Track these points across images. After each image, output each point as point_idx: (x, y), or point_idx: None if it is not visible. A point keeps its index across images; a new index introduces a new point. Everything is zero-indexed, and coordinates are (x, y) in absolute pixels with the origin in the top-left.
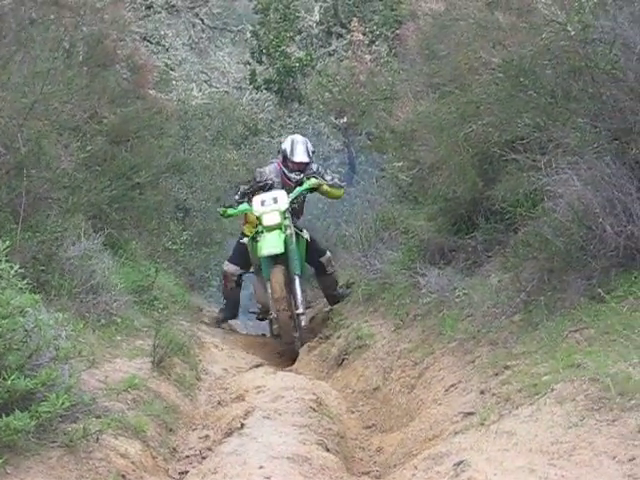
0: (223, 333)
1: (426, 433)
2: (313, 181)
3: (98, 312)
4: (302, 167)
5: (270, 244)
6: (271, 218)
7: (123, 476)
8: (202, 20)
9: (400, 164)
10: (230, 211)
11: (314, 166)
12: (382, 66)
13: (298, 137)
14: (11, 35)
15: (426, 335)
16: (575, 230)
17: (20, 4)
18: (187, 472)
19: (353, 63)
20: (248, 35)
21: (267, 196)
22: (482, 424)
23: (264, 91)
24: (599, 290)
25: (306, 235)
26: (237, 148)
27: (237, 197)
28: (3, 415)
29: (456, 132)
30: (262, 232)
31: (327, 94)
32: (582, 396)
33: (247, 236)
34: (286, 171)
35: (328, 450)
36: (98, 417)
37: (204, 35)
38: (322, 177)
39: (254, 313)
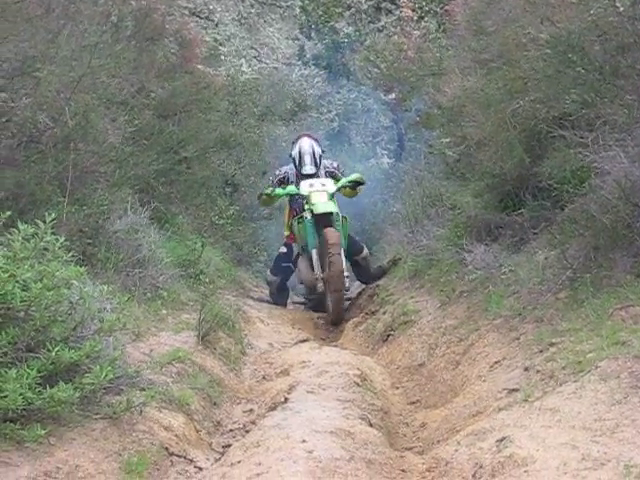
0: (269, 308)
1: (470, 409)
2: (358, 175)
3: (144, 286)
4: (311, 177)
5: (324, 205)
6: (320, 196)
7: (166, 449)
8: None
9: (447, 140)
10: (278, 191)
11: (327, 162)
12: (430, 42)
13: (305, 144)
14: (59, 9)
15: (471, 312)
16: (622, 207)
17: None
18: (230, 445)
19: (402, 39)
20: (297, 10)
21: (315, 181)
22: (526, 401)
23: (313, 67)
24: None
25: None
26: (286, 124)
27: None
28: (47, 386)
29: (503, 108)
30: (310, 208)
31: (375, 70)
32: (626, 373)
33: (286, 245)
34: (299, 173)
35: (371, 425)
36: (142, 390)
37: (253, 10)
38: (339, 175)
39: (300, 303)
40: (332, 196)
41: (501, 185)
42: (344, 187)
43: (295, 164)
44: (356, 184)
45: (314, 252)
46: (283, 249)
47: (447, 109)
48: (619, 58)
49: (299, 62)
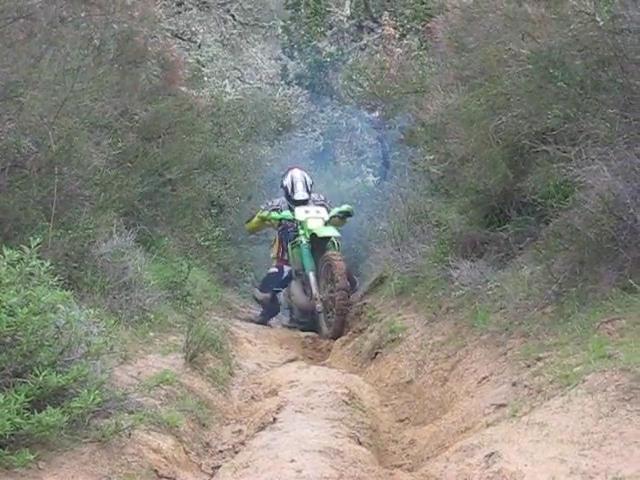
0: (256, 328)
1: (458, 425)
2: (348, 206)
3: (131, 309)
4: (303, 203)
5: (326, 229)
6: (316, 222)
7: (156, 471)
8: (233, 16)
9: (431, 157)
10: (274, 214)
11: (314, 195)
12: (412, 60)
13: (297, 174)
14: (41, 33)
15: (458, 328)
16: (606, 221)
17: (50, 2)
18: (220, 467)
19: (384, 57)
20: (279, 30)
21: (310, 208)
22: (514, 416)
23: (296, 86)
24: (630, 281)
25: None
26: (270, 144)
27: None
28: (35, 411)
29: (486, 124)
30: (305, 233)
31: (358, 88)
32: (613, 386)
33: (277, 267)
34: (290, 205)
35: (360, 443)
36: (131, 412)
37: (235, 31)
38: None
39: (289, 327)
40: (326, 223)
41: (485, 201)
42: (334, 217)
43: (287, 192)
44: (345, 215)
45: (312, 274)
46: (274, 269)
47: (430, 126)
48: (600, 72)
49: (282, 82)
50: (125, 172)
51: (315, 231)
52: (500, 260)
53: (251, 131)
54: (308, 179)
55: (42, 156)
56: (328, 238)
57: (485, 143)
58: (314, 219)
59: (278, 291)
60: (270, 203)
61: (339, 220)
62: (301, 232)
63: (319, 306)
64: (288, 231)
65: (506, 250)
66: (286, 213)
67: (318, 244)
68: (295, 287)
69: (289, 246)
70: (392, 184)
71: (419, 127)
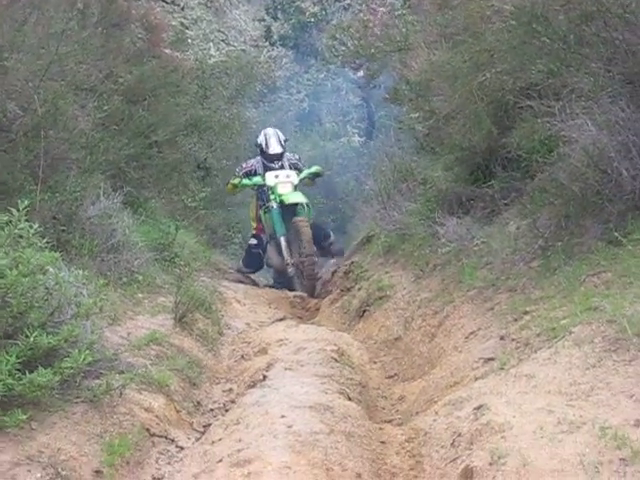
0: (245, 288)
1: (447, 380)
2: (318, 168)
3: (119, 270)
4: (278, 157)
5: (294, 195)
6: (285, 187)
7: (147, 429)
8: None
9: (416, 115)
10: (245, 181)
11: (289, 154)
12: (396, 18)
13: (270, 130)
14: None
15: (446, 284)
16: (591, 175)
17: None
18: (211, 424)
19: (367, 16)
20: None
21: (280, 172)
22: (502, 369)
23: (280, 47)
24: (616, 234)
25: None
26: (256, 106)
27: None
28: (27, 372)
29: (470, 81)
30: (276, 198)
31: (342, 48)
32: (600, 338)
33: (255, 236)
34: (265, 162)
35: (350, 399)
36: (121, 372)
37: None
38: (302, 167)
39: (272, 287)
40: (296, 187)
41: (471, 158)
42: (304, 178)
43: (262, 148)
44: (315, 176)
45: (282, 239)
46: (253, 240)
47: (415, 84)
48: (583, 27)
49: (266, 43)
50: (111, 135)
51: (283, 197)
52: (486, 216)
53: (236, 93)
54: (281, 135)
55: (28, 120)
56: (297, 203)
57: (469, 100)
58: (283, 184)
59: (260, 259)
60: (244, 165)
61: (309, 181)
62: (271, 197)
63: (291, 270)
64: (264, 190)
65: (492, 206)
66: (257, 179)
67: (288, 209)
68: (271, 250)
69: (261, 211)
70: (378, 143)
71: (403, 85)
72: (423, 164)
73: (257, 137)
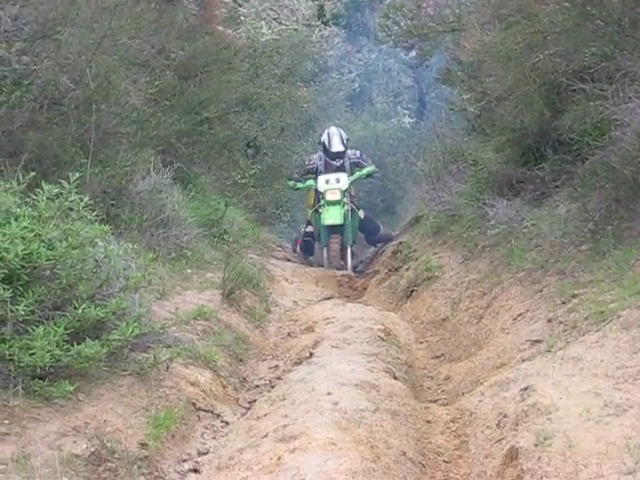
0: (293, 266)
1: (494, 361)
2: (370, 169)
3: (168, 245)
4: (340, 155)
5: (331, 216)
6: (333, 194)
7: (193, 404)
8: None
9: (468, 96)
10: (299, 185)
11: (350, 152)
12: None
13: (333, 129)
14: None
15: (494, 266)
16: None
17: None
18: (256, 400)
19: None
20: None
21: (331, 176)
22: (549, 351)
23: (332, 27)
24: None
25: (361, 214)
26: (307, 85)
27: (295, 178)
28: (75, 344)
29: (523, 62)
30: (324, 205)
31: (395, 27)
32: None
33: (310, 223)
34: (327, 159)
35: (396, 378)
36: (168, 346)
37: None
38: (363, 163)
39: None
40: (344, 192)
41: (522, 139)
42: (357, 180)
43: (325, 146)
44: (368, 176)
45: (325, 250)
46: (309, 228)
47: (467, 65)
48: (638, 10)
49: (319, 22)
50: (162, 110)
51: (324, 215)
52: (536, 199)
53: (287, 72)
54: (344, 134)
55: (80, 94)
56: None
57: (522, 81)
58: (332, 191)
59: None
60: (307, 161)
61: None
62: (322, 202)
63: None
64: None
65: (542, 189)
66: (310, 182)
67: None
68: (317, 247)
69: (313, 212)
70: (428, 124)
71: (456, 66)
72: (474, 145)
73: (320, 135)
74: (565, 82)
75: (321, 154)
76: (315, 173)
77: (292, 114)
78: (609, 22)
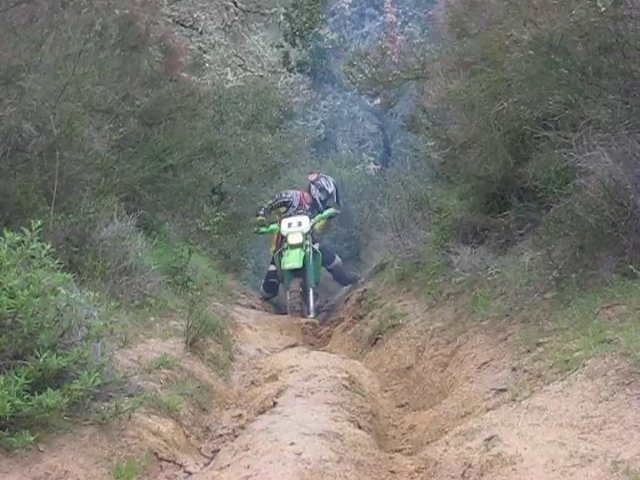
0: (257, 314)
1: (458, 410)
2: (331, 211)
3: (131, 293)
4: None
5: (292, 260)
6: (295, 238)
7: (155, 454)
8: (235, 3)
9: (432, 144)
10: (263, 229)
11: (323, 181)
12: (414, 47)
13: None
14: (43, 18)
15: (459, 314)
16: (606, 207)
17: None
18: (219, 450)
19: (385, 44)
20: (281, 18)
21: (293, 220)
22: (514, 400)
23: (297, 74)
24: (631, 266)
25: (316, 247)
26: (272, 132)
27: (262, 212)
28: (36, 393)
29: (487, 110)
30: (287, 248)
31: (360, 75)
32: (613, 371)
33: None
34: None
35: (360, 427)
36: (131, 396)
37: (237, 18)
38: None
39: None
40: (306, 235)
41: (486, 187)
42: (318, 221)
43: (335, 197)
44: (329, 218)
45: (287, 293)
46: (272, 267)
47: (431, 112)
48: (602, 58)
49: (284, 69)
50: (126, 157)
51: (284, 260)
52: (501, 246)
53: (253, 119)
54: (329, 182)
55: (43, 140)
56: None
57: (486, 129)
58: (294, 234)
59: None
60: (281, 195)
61: (324, 222)
62: (285, 245)
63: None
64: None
65: (507, 236)
66: (273, 227)
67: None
68: (281, 288)
69: (275, 255)
70: (393, 171)
71: (420, 113)
72: (438, 193)
73: (326, 180)
74: (529, 130)
75: (298, 192)
76: (288, 208)
77: (257, 161)
78: (573, 70)
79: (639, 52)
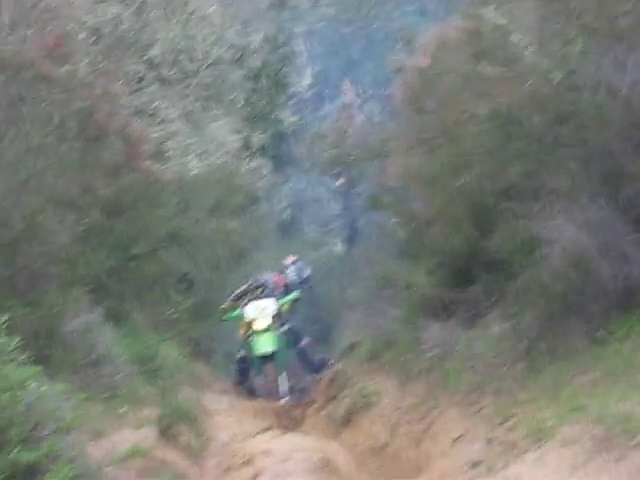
0: (230, 399)
1: None
2: (296, 294)
3: (101, 384)
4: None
5: (263, 345)
6: (259, 324)
7: None
8: (194, 91)
9: (396, 220)
10: (228, 315)
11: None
12: (374, 125)
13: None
14: (1, 113)
15: (431, 389)
16: (572, 274)
17: (10, 82)
18: None
19: (345, 124)
20: (241, 103)
21: (258, 304)
22: (489, 471)
23: (260, 158)
24: (600, 332)
25: (286, 328)
26: (237, 217)
27: (232, 297)
28: None
29: (448, 184)
30: (254, 334)
31: (321, 156)
32: (587, 437)
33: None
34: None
35: None
36: None
37: (198, 104)
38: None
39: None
40: (273, 318)
41: (452, 261)
42: (284, 305)
43: (308, 282)
44: (294, 301)
45: (257, 379)
46: (242, 352)
47: (394, 189)
48: (558, 128)
49: (247, 154)
50: (91, 248)
51: (254, 346)
52: (469, 319)
53: (217, 205)
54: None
55: (6, 235)
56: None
57: (449, 203)
58: (260, 320)
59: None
60: (255, 280)
61: (288, 306)
62: (251, 330)
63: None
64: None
65: (475, 309)
66: (238, 313)
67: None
68: (252, 373)
69: (244, 340)
70: (360, 250)
71: (382, 191)
72: (405, 269)
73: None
74: (492, 202)
75: (272, 276)
76: (264, 290)
77: (223, 247)
78: (531, 141)
79: (595, 120)
